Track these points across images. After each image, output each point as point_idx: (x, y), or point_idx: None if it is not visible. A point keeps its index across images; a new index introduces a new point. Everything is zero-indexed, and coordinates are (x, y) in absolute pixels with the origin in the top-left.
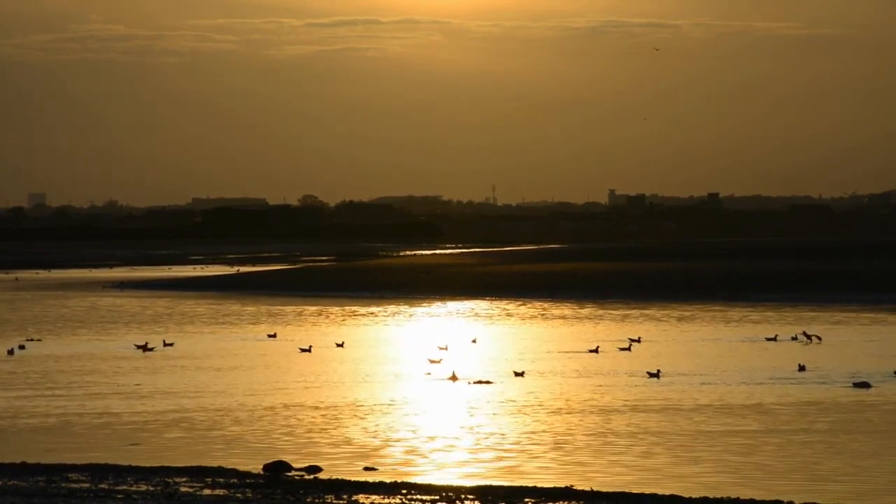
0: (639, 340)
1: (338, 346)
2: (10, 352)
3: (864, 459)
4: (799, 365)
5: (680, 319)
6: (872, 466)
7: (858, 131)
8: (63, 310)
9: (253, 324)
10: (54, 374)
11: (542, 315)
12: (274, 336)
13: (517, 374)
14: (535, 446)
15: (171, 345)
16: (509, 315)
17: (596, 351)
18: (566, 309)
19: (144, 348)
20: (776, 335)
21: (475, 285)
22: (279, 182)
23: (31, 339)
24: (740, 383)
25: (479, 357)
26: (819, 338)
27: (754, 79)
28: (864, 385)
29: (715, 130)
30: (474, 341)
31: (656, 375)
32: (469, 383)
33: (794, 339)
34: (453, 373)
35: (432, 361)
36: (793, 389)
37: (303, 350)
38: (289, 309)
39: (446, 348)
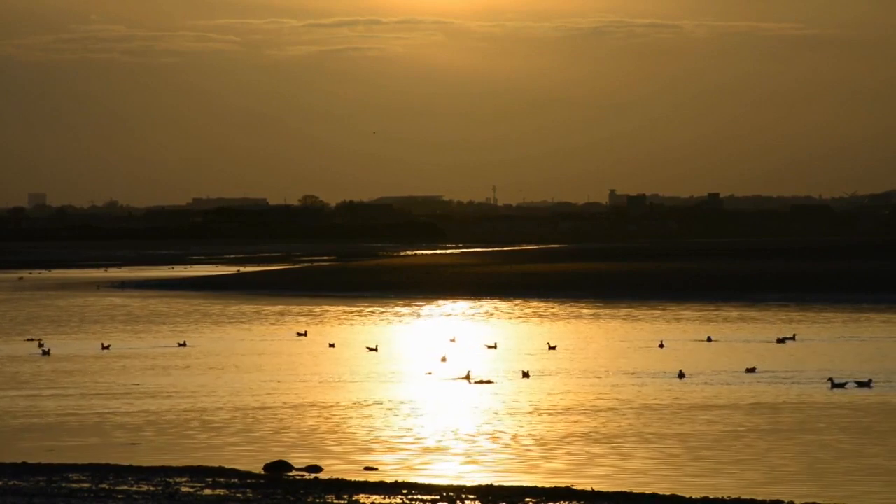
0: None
1: (363, 347)
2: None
3: (866, 459)
4: (747, 368)
5: (680, 319)
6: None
7: (859, 131)
8: (62, 310)
9: (253, 322)
10: (54, 373)
11: (542, 315)
12: (304, 334)
13: (524, 375)
14: (536, 446)
15: (183, 345)
16: (508, 315)
17: (553, 348)
18: (566, 308)
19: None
20: (776, 336)
21: (475, 285)
22: (279, 182)
23: (31, 339)
24: (739, 383)
25: (478, 357)
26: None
27: (756, 78)
28: (866, 384)
29: (715, 130)
30: (453, 340)
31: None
32: (470, 383)
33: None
34: (464, 372)
35: (442, 360)
36: (783, 390)
37: (370, 349)
38: (291, 309)
39: (498, 344)
